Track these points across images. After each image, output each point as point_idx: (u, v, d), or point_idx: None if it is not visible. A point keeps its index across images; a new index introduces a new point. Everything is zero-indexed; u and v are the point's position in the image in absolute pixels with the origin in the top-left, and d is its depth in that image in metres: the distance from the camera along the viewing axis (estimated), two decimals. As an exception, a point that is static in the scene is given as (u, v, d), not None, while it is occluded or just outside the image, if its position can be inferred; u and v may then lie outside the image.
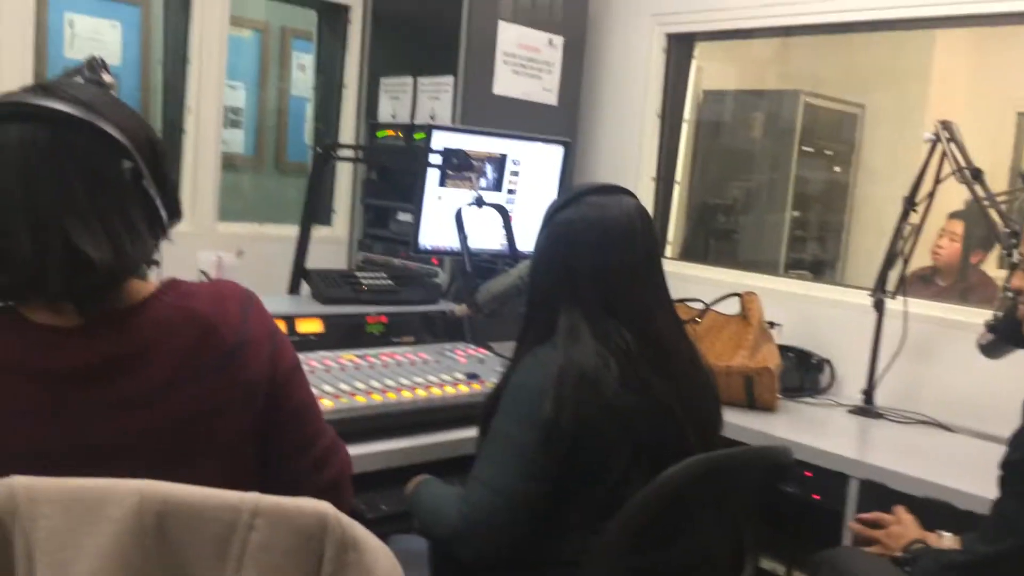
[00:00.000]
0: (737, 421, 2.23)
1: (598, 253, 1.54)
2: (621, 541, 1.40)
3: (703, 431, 1.56)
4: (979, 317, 2.19)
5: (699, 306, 2.62)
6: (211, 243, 2.32)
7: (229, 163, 3.68)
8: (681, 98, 3.40)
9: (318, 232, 2.67)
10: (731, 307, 2.60)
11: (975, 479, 1.88)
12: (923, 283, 3.20)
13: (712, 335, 2.55)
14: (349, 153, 3.29)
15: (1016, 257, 2.01)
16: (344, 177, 3.46)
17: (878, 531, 1.77)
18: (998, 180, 4.14)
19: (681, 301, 2.66)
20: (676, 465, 1.38)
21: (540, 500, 1.47)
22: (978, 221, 3.53)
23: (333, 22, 3.54)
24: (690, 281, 3.02)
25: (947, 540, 1.71)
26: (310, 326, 2.12)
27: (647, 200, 3.31)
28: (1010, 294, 2.01)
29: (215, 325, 1.08)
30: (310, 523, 0.88)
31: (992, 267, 3.67)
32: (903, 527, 1.74)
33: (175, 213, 1.12)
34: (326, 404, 1.78)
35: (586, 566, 1.44)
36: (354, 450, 1.74)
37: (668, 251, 3.46)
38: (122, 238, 1.03)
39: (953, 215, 3.22)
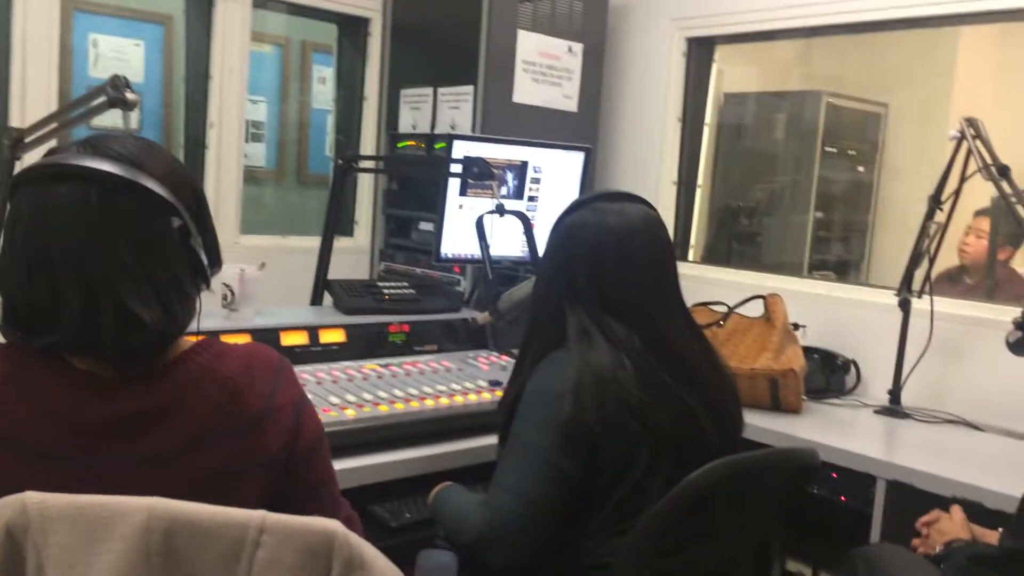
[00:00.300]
0: (762, 423, 2.21)
1: (594, 255, 1.56)
2: (645, 545, 1.40)
3: (724, 432, 1.55)
4: (1007, 315, 2.16)
5: (722, 309, 2.61)
6: (234, 256, 2.30)
7: (251, 176, 3.72)
8: (702, 101, 3.39)
9: (340, 243, 2.69)
10: (755, 309, 2.59)
11: (1005, 478, 1.86)
12: (951, 282, 3.16)
13: (736, 338, 2.54)
14: (370, 164, 3.32)
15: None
16: (365, 188, 3.49)
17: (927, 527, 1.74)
18: (1026, 177, 4.11)
19: (704, 304, 2.66)
20: (699, 470, 1.37)
21: (563, 504, 1.47)
22: (1006, 218, 3.49)
23: (353, 35, 3.58)
24: (713, 284, 3.02)
25: None
26: (333, 336, 2.14)
27: (668, 204, 3.30)
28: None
29: (241, 390, 1.08)
30: (317, 541, 0.88)
31: (1022, 263, 3.62)
32: (951, 524, 1.71)
33: (216, 262, 1.13)
34: (349, 414, 1.80)
35: (613, 569, 1.44)
36: (377, 459, 1.78)
37: (691, 254, 3.45)
38: (171, 298, 1.04)
39: (980, 212, 3.18)
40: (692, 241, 3.47)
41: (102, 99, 1.86)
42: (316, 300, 2.46)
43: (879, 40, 3.68)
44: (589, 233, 1.58)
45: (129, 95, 1.86)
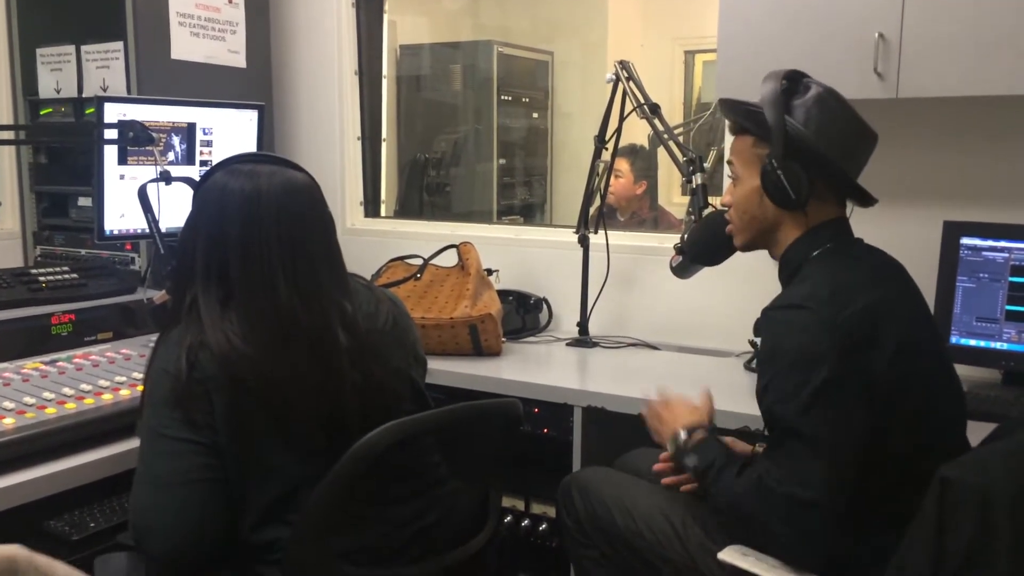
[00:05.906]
0: (466, 370, 2.26)
1: (215, 222, 1.44)
2: (310, 532, 1.32)
3: (371, 397, 1.44)
4: (670, 242, 2.37)
5: (419, 262, 2.62)
6: None
7: None
8: (377, 54, 3.34)
9: (-20, 229, 2.33)
10: (450, 259, 2.62)
11: (680, 390, 2.04)
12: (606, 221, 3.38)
13: (434, 289, 2.56)
14: (7, 135, 2.89)
15: (695, 183, 2.19)
16: (6, 164, 3.03)
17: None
18: (675, 114, 4.56)
19: (400, 259, 2.65)
20: (354, 449, 1.29)
21: (201, 474, 1.34)
22: (643, 155, 3.83)
23: (-32, -13, 3.07)
24: (408, 238, 3.02)
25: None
26: (-21, 337, 1.86)
27: (354, 160, 3.23)
28: (692, 217, 2.19)
29: None
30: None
31: (676, 195, 4.02)
32: (676, 409, 1.69)
33: None
34: (7, 423, 1.56)
35: (290, 556, 1.35)
36: (50, 468, 1.57)
37: (383, 210, 3.42)
38: None
39: (617, 153, 3.33)
40: (383, 196, 3.44)
41: None
42: (-46, 298, 2.11)
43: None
44: (214, 197, 1.45)
45: None
